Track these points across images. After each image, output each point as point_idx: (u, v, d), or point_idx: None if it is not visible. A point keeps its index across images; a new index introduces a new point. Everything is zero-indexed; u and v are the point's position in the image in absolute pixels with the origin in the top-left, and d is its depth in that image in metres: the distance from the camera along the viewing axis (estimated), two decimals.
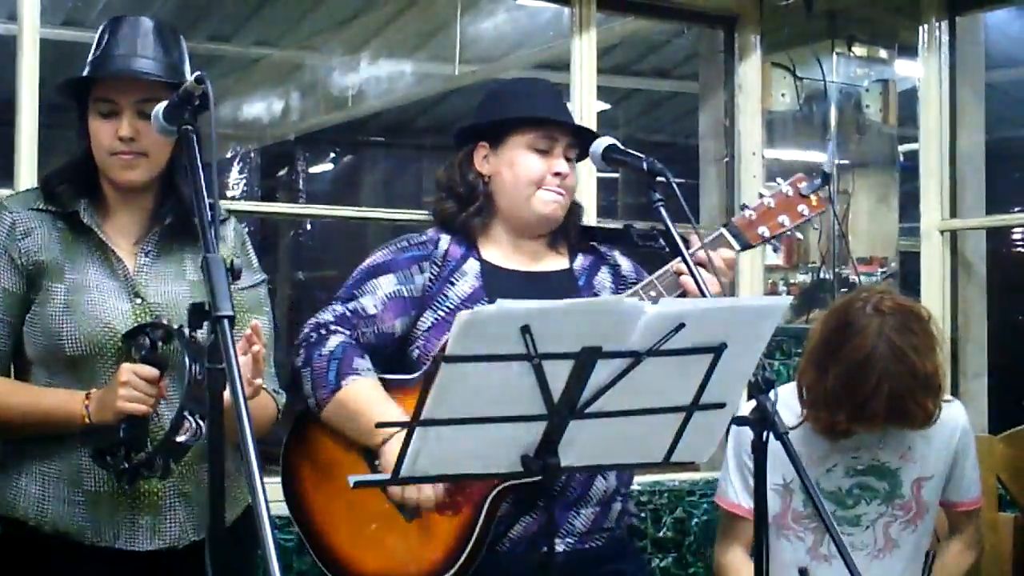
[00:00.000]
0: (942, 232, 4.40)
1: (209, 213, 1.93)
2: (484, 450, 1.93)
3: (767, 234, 2.61)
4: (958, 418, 3.02)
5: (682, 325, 1.86)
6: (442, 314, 2.55)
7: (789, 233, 2.63)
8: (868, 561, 2.92)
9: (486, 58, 6.39)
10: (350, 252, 8.52)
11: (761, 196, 2.63)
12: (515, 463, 1.95)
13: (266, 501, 1.63)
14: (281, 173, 8.96)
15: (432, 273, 2.58)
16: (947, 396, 2.96)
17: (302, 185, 8.89)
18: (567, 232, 2.69)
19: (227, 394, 1.80)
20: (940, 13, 4.47)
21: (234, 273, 1.89)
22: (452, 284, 2.58)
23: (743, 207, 2.64)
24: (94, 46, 2.42)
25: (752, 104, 4.59)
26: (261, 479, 1.64)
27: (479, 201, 2.62)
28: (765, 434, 2.15)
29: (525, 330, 1.78)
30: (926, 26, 4.49)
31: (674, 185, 2.39)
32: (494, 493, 2.39)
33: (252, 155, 8.42)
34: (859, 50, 4.69)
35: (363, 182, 9.34)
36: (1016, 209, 6.26)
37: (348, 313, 2.56)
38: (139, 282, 2.41)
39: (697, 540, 3.96)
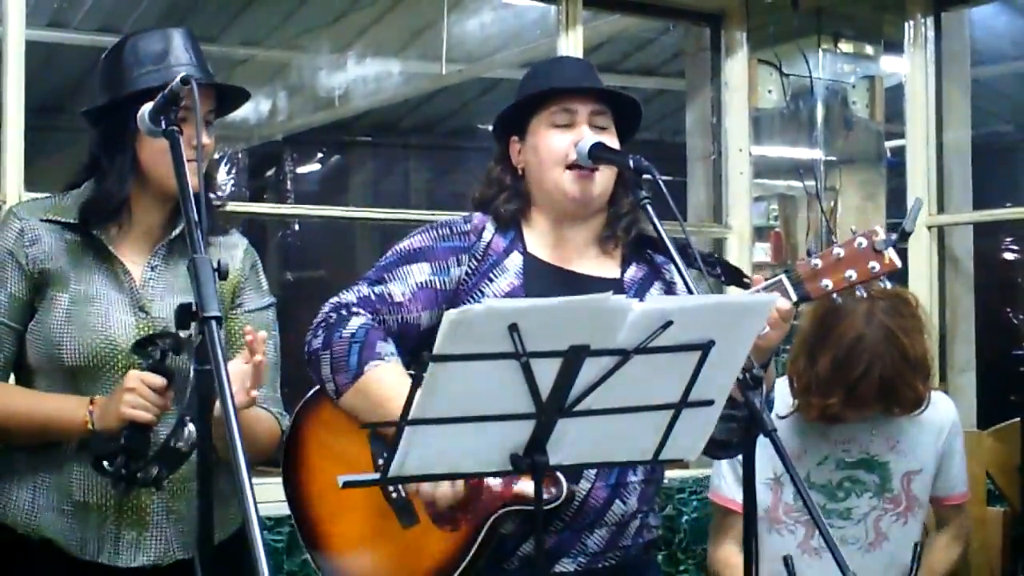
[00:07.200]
0: (929, 228, 4.42)
1: (196, 214, 1.92)
2: (473, 449, 1.92)
3: (830, 287, 2.30)
4: (948, 412, 3.04)
5: (669, 322, 1.86)
6: None
7: (856, 289, 2.33)
8: (860, 555, 2.93)
9: (473, 57, 6.38)
10: (338, 252, 8.50)
11: (833, 243, 2.35)
12: (505, 462, 1.94)
13: (254, 501, 1.62)
14: (269, 174, 8.93)
15: (470, 267, 2.44)
16: (935, 385, 2.98)
17: (290, 185, 8.86)
18: (617, 233, 2.50)
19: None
20: (925, 9, 4.49)
21: (220, 273, 1.89)
22: (491, 280, 2.43)
23: (809, 253, 2.37)
24: (134, 59, 2.42)
25: (739, 101, 4.60)
26: (250, 479, 1.64)
27: (512, 191, 2.48)
28: (754, 430, 2.15)
29: (513, 328, 1.78)
30: (911, 22, 4.51)
31: (660, 183, 2.34)
32: (497, 514, 2.29)
33: (239, 156, 8.39)
34: (845, 46, 4.69)
35: (351, 182, 9.32)
36: (1004, 204, 6.26)
37: (373, 297, 2.41)
38: (144, 295, 2.40)
39: (687, 537, 3.96)
